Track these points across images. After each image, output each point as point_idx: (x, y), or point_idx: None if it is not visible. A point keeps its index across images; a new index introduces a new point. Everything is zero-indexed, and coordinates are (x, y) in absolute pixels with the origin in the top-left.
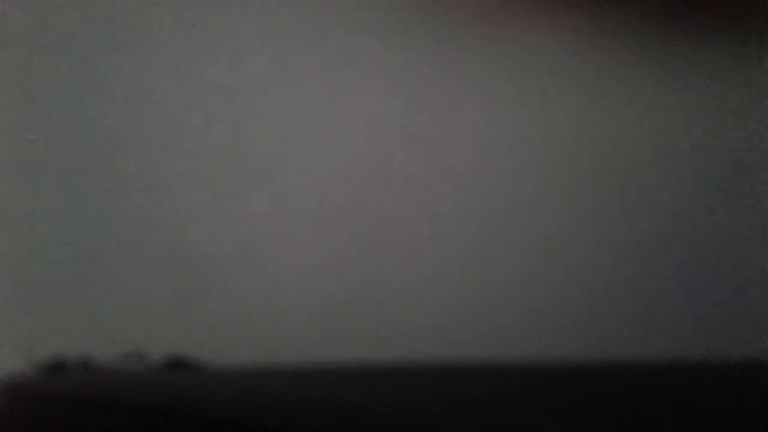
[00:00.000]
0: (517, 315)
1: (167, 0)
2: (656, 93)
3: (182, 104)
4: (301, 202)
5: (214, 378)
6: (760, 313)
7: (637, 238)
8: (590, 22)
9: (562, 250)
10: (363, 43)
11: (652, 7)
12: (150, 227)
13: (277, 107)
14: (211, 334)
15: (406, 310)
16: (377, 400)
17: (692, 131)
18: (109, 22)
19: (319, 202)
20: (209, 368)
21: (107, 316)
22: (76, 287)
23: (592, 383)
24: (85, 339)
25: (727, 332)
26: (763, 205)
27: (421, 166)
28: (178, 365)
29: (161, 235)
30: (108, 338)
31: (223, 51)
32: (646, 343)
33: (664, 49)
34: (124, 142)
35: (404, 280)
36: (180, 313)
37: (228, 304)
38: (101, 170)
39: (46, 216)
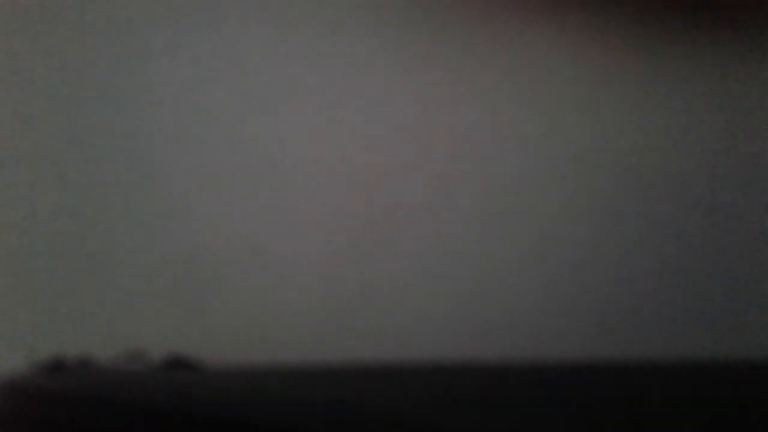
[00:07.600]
0: (517, 314)
1: (169, 1)
2: (656, 92)
3: (183, 103)
4: (301, 201)
5: (214, 378)
6: (760, 313)
7: (638, 237)
8: (590, 22)
9: (562, 250)
10: (363, 43)
11: (652, 7)
12: (150, 226)
13: (277, 106)
14: (211, 334)
15: (406, 309)
16: (377, 400)
17: (692, 131)
18: (112, 24)
19: (319, 202)
20: (209, 368)
21: (107, 315)
22: (76, 287)
23: (592, 383)
24: (85, 339)
25: (727, 332)
26: (763, 205)
27: (422, 165)
28: (178, 365)
29: (161, 235)
30: (108, 338)
31: (225, 51)
32: (646, 343)
33: (665, 49)
34: (124, 141)
35: (405, 280)
36: (180, 313)
37: (228, 303)
38: (102, 169)
39: (46, 215)
